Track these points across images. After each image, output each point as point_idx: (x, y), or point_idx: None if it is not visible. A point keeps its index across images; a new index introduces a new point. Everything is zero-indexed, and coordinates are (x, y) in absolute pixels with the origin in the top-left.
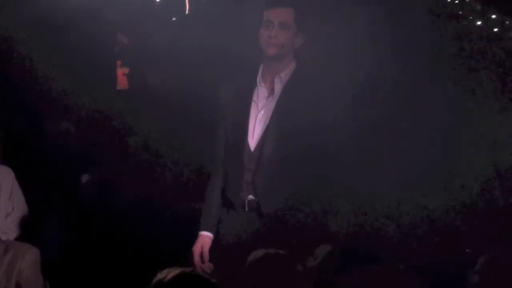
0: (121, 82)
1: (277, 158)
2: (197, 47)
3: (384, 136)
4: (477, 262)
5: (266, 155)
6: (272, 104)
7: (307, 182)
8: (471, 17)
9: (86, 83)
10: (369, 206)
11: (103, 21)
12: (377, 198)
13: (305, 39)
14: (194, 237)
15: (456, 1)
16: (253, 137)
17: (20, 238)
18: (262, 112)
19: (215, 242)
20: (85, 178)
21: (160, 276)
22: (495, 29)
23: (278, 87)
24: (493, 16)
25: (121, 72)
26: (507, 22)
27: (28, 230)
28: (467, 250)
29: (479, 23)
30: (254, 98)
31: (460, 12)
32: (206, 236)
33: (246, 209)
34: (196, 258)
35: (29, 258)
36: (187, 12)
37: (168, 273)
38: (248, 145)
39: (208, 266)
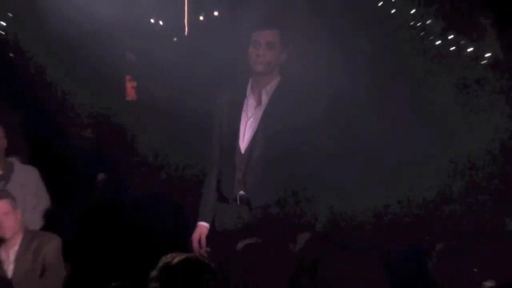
0: (129, 94)
1: (264, 159)
2: (194, 63)
3: (352, 138)
4: (434, 249)
5: (254, 156)
6: (259, 113)
7: (290, 179)
8: (432, 37)
9: (100, 94)
10: (343, 198)
11: (114, 41)
12: (349, 192)
13: (289, 56)
14: (193, 227)
15: (418, 24)
16: (244, 141)
17: (44, 228)
18: (251, 119)
19: (211, 231)
20: (100, 176)
21: (166, 259)
22: (452, 48)
23: (264, 99)
24: (450, 37)
25: (130, 85)
26: (462, 42)
27: (51, 221)
28: (427, 238)
29: (438, 42)
30: (245, 108)
31: (422, 33)
32: (203, 226)
33: (238, 203)
34: (195, 244)
35: (52, 245)
36: (186, 33)
37: (173, 258)
38: (239, 148)
39: (205, 251)
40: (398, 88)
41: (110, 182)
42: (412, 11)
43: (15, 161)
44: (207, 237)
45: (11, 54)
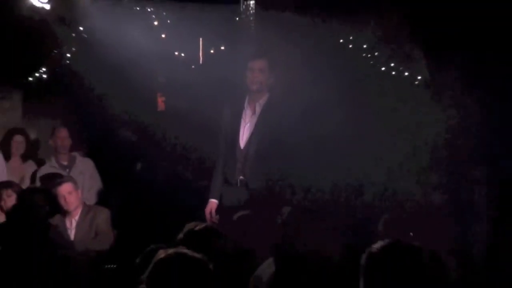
0: (160, 106)
1: (258, 153)
2: (207, 84)
3: (326, 139)
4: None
5: (250, 151)
6: (254, 120)
7: (277, 168)
8: (378, 64)
9: (138, 106)
10: (317, 181)
11: (150, 67)
12: (320, 176)
13: (275, 78)
14: (206, 202)
15: (369, 55)
16: (242, 140)
17: (97, 203)
18: (248, 125)
19: (219, 206)
20: (138, 166)
21: (190, 226)
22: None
23: (258, 110)
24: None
25: (160, 100)
26: (400, 68)
27: (103, 198)
28: (376, 210)
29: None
30: (243, 116)
31: (372, 62)
32: (213, 202)
33: (239, 185)
34: (208, 215)
35: (103, 216)
36: (201, 62)
37: (195, 225)
38: (239, 145)
39: (215, 221)
40: (357, 99)
41: (145, 170)
42: (364, 46)
43: (76, 155)
44: (216, 210)
45: (75, 78)
